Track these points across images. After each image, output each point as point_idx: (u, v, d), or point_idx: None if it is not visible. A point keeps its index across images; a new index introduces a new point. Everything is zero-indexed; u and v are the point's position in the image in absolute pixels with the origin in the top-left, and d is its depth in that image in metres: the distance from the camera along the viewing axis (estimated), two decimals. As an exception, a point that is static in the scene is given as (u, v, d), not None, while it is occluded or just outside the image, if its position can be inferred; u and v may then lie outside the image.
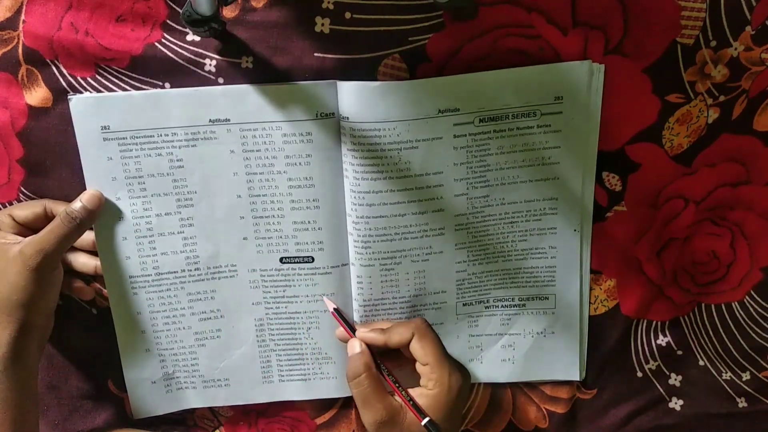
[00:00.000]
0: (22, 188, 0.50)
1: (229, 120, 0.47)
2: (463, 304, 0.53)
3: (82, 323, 0.53)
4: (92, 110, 0.47)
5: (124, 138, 0.47)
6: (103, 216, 0.48)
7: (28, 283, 0.44)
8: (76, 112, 0.47)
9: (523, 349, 0.54)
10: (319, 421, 0.57)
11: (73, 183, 0.49)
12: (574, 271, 0.52)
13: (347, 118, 0.46)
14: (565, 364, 0.54)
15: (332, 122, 0.47)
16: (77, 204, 0.47)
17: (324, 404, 0.56)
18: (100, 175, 0.48)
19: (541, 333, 0.54)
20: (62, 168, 0.49)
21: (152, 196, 0.49)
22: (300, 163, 0.48)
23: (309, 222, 0.49)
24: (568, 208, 0.50)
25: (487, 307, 0.53)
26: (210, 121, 0.47)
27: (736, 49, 0.46)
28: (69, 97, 0.47)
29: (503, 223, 0.50)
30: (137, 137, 0.47)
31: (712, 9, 0.45)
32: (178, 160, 0.48)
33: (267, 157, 0.48)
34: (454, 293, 0.52)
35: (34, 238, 0.45)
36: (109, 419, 0.55)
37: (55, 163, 0.49)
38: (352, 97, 0.46)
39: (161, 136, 0.47)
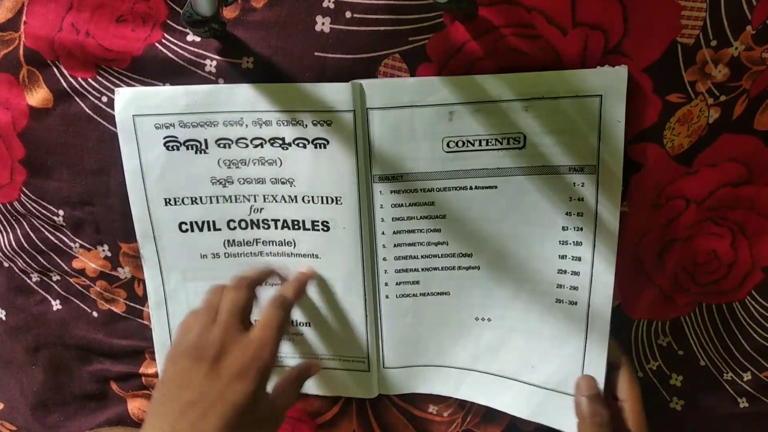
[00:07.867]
0: (24, 189, 0.51)
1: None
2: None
3: (83, 323, 0.54)
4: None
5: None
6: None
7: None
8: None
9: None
10: (319, 421, 0.57)
11: (74, 183, 0.49)
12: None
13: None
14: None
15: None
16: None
17: (324, 404, 0.56)
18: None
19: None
20: (63, 168, 0.49)
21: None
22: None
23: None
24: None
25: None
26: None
27: (736, 48, 0.46)
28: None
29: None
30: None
31: (713, 8, 0.45)
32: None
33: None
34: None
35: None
36: (111, 419, 0.55)
37: (57, 164, 0.49)
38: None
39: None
